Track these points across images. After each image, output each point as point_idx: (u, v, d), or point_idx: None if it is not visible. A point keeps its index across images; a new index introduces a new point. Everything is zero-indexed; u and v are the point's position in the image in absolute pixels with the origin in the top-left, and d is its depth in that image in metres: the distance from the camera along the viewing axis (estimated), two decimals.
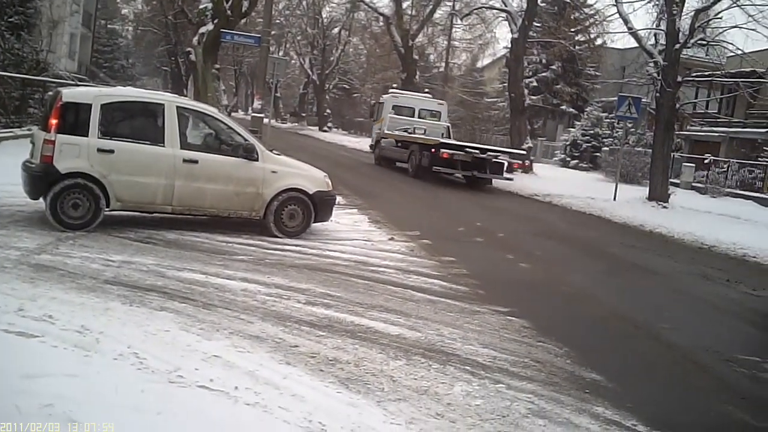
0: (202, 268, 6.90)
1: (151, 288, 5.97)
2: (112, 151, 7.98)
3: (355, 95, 62.63)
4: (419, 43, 42.49)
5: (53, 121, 7.79)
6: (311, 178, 9.39)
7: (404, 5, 39.70)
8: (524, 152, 24.34)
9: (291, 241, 8.81)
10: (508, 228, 13.23)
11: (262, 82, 22.12)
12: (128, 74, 49.31)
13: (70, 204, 7.79)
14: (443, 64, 52.58)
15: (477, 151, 19.59)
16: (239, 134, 8.93)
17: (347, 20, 54.06)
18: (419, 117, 25.05)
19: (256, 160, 8.84)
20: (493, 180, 20.75)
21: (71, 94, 8.25)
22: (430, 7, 38.81)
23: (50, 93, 10.13)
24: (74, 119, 7.91)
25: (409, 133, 22.52)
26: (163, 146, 8.28)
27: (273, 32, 35.96)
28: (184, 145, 8.45)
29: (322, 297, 6.38)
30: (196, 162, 8.45)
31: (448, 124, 25.55)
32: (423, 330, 5.77)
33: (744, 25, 18.53)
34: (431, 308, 6.52)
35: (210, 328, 5.13)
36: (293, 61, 58.79)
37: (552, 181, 24.51)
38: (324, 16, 55.59)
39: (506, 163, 20.78)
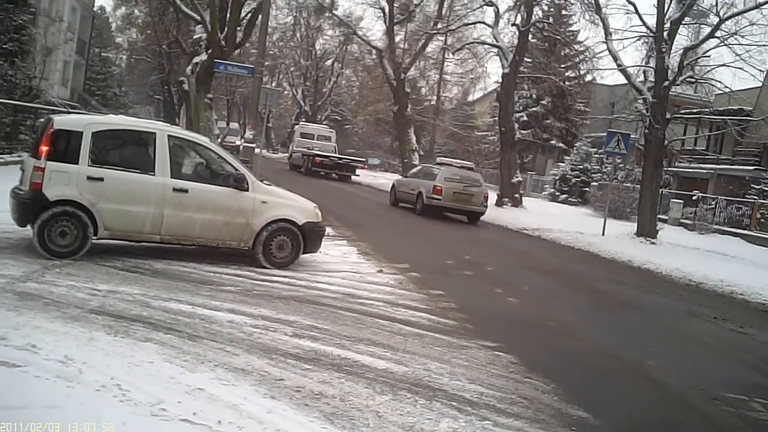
0: (188, 298, 6.86)
1: (136, 318, 5.92)
2: (101, 179, 7.96)
3: (347, 127, 62.89)
4: (411, 76, 42.81)
5: (44, 148, 7.77)
6: (301, 209, 9.39)
7: (397, 39, 40.09)
8: (364, 159, 38.69)
9: (279, 273, 8.78)
10: (496, 261, 13.24)
11: (255, 112, 22.17)
12: (121, 102, 49.39)
13: (57, 232, 7.75)
14: (435, 97, 52.97)
15: (336, 158, 32.75)
16: (230, 164, 8.93)
17: (340, 52, 54.61)
18: (317, 140, 35.94)
19: (247, 190, 8.83)
20: (352, 177, 33.23)
21: (63, 121, 8.24)
22: (423, 41, 39.15)
23: (42, 120, 10.13)
24: (65, 147, 7.89)
25: (308, 149, 33.36)
26: (154, 175, 8.26)
27: (266, 63, 36.35)
28: (175, 174, 8.43)
29: (309, 329, 6.34)
30: (186, 191, 8.43)
31: (335, 145, 36.56)
32: (410, 364, 5.73)
33: (732, 64, 18.79)
34: (419, 342, 6.48)
35: (195, 360, 5.08)
36: (286, 92, 59.18)
37: (541, 215, 24.65)
38: (317, 48, 56.21)
39: (357, 167, 34.08)
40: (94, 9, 49.25)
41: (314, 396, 4.72)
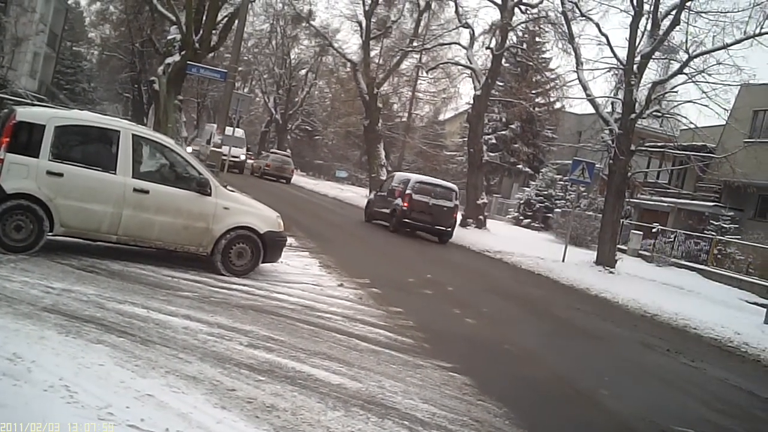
0: (144, 302, 6.74)
1: (89, 319, 5.80)
2: (61, 175, 7.80)
3: (317, 137, 62.81)
4: (384, 91, 42.88)
5: (4, 140, 7.59)
6: (263, 218, 9.30)
7: (372, 54, 40.20)
8: (247, 155, 47.65)
9: (239, 281, 8.69)
10: (457, 282, 13.29)
11: (225, 117, 22.05)
12: (89, 98, 48.68)
13: (12, 226, 7.58)
14: (406, 114, 53.17)
15: (234, 157, 40.60)
16: (194, 167, 8.81)
17: (315, 63, 54.49)
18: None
19: (209, 194, 8.72)
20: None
21: (26, 113, 8.08)
22: (397, 57, 39.29)
23: (5, 110, 9.93)
24: (26, 139, 7.73)
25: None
26: (115, 174, 8.12)
27: (240, 68, 36.19)
28: (137, 174, 8.28)
29: (265, 340, 6.28)
30: (146, 192, 8.30)
31: (246, 147, 44.29)
32: (364, 381, 5.70)
33: (698, 101, 19.17)
34: (375, 359, 6.46)
35: (146, 365, 4.99)
36: (257, 99, 58.95)
37: (504, 238, 24.83)
38: (292, 57, 56.04)
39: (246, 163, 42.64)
40: (69, 2, 48.69)
41: (266, 408, 4.67)
